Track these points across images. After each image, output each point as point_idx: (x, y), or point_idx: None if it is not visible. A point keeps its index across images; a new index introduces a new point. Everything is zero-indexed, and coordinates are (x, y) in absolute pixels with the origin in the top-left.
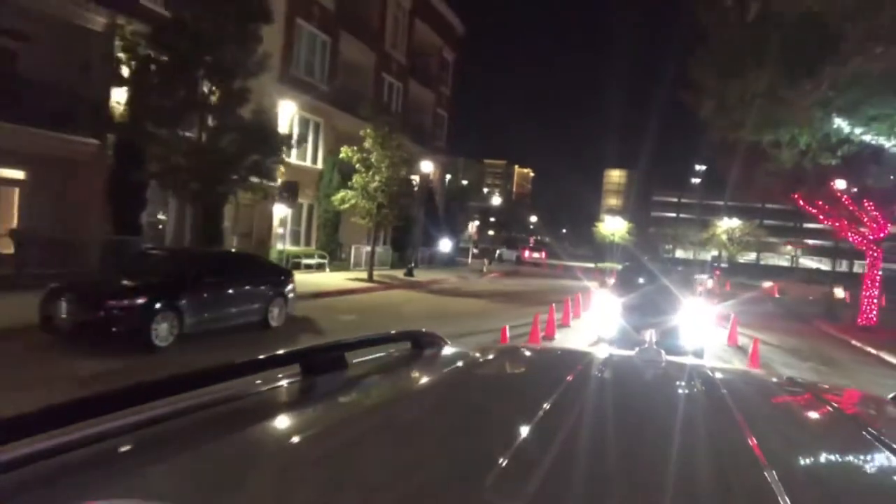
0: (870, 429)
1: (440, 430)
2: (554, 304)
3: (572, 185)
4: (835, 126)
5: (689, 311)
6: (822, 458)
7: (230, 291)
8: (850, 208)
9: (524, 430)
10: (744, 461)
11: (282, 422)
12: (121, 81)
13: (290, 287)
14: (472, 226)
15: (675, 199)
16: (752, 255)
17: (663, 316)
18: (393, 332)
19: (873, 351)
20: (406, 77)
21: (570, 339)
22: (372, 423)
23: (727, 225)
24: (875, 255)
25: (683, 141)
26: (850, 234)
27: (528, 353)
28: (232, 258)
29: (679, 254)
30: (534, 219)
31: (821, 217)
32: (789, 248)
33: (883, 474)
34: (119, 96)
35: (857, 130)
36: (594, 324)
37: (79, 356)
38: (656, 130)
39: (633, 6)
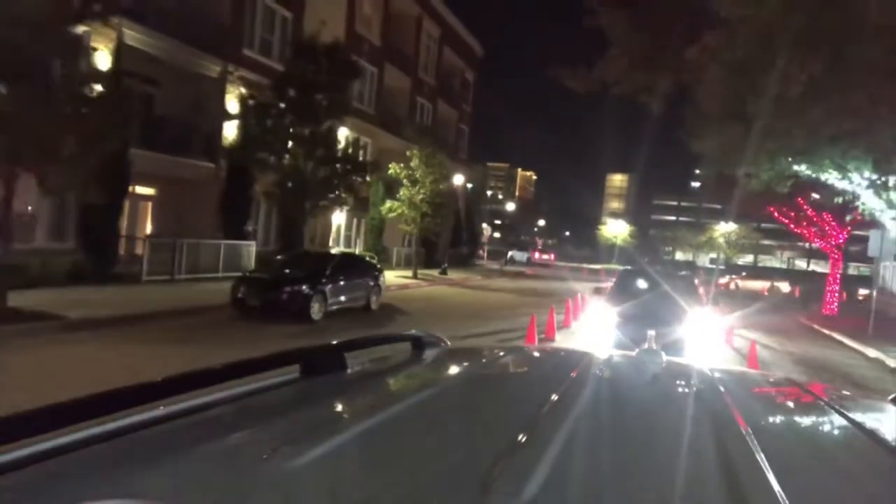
0: (869, 429)
1: (440, 430)
2: (569, 300)
3: (574, 188)
4: (782, 166)
5: (694, 322)
6: (821, 458)
7: (351, 282)
8: (815, 219)
9: (524, 431)
10: (743, 462)
11: (282, 422)
12: (230, 117)
13: (381, 280)
14: (486, 229)
15: (674, 203)
16: (749, 258)
17: (665, 328)
18: (393, 333)
19: (827, 332)
20: (435, 98)
21: (584, 327)
22: (372, 423)
23: (724, 229)
24: (836, 256)
25: (683, 146)
26: (816, 239)
27: (528, 354)
28: (349, 258)
29: (678, 256)
30: (541, 223)
31: (791, 226)
32: (786, 250)
33: (882, 475)
34: (230, 129)
35: (796, 168)
36: (589, 335)
37: (263, 324)
38: (657, 136)
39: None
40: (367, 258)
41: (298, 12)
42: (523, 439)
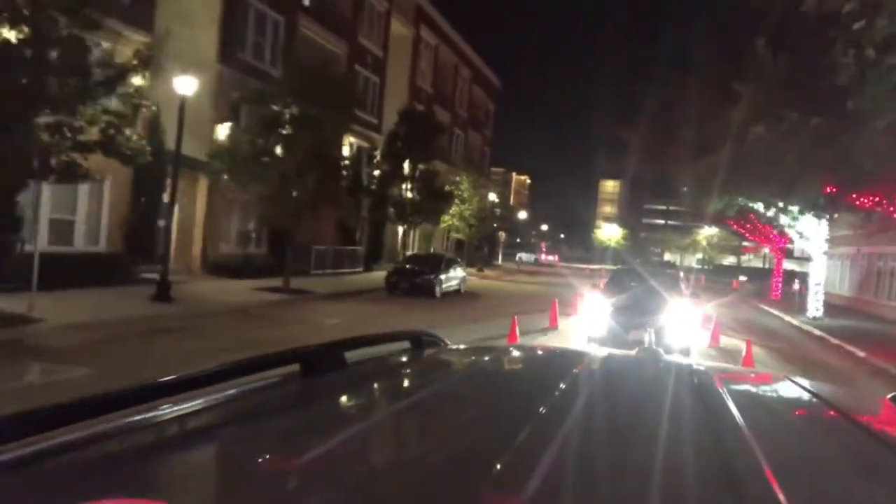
0: (868, 428)
1: (439, 429)
2: (576, 294)
3: (568, 192)
4: (730, 200)
5: (675, 311)
6: (820, 456)
7: (452, 274)
8: (761, 229)
9: (524, 430)
10: (743, 461)
11: (282, 422)
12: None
13: (464, 273)
14: (501, 235)
15: (663, 207)
16: (733, 259)
17: (651, 316)
18: (393, 332)
19: (766, 308)
20: (466, 128)
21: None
22: (371, 422)
23: (706, 232)
24: (779, 257)
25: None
26: (765, 244)
27: (527, 353)
28: (450, 258)
29: (667, 256)
30: (544, 227)
31: (746, 234)
32: (766, 250)
33: (881, 474)
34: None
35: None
36: (585, 324)
37: (409, 298)
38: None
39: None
40: (457, 259)
41: (383, 78)
42: (523, 438)
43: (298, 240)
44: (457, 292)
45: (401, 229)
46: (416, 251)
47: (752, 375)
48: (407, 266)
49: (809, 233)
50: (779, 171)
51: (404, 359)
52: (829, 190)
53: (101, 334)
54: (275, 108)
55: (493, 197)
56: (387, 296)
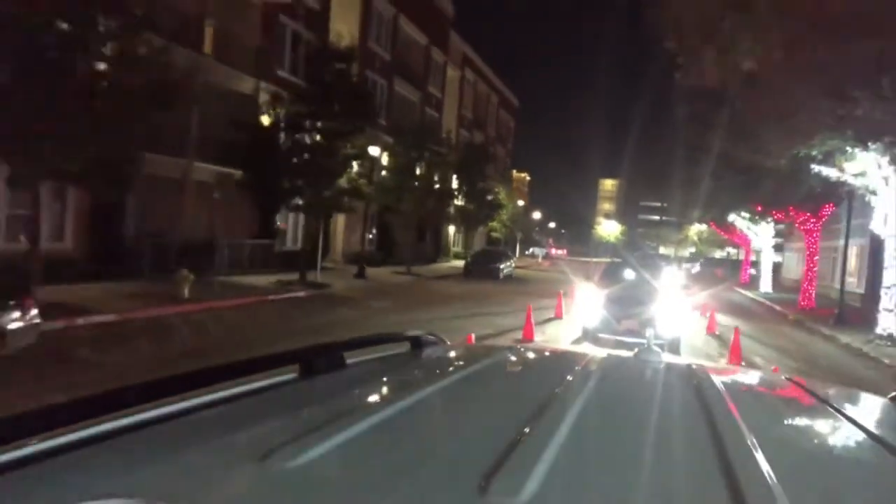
0: (868, 428)
1: (439, 430)
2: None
3: (567, 190)
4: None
5: (666, 302)
6: (820, 457)
7: (506, 263)
8: (732, 230)
9: (523, 430)
10: (743, 461)
11: (281, 422)
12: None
13: (514, 263)
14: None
15: (658, 204)
16: (721, 252)
17: (642, 307)
18: (393, 332)
19: (736, 288)
20: (495, 144)
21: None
22: (370, 423)
23: (697, 228)
24: (746, 251)
25: (666, 155)
26: (737, 240)
27: (527, 354)
28: (504, 251)
29: (661, 250)
30: (552, 225)
31: (724, 233)
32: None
33: (881, 474)
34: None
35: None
36: (580, 314)
37: (480, 280)
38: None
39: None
40: (509, 253)
41: (441, 114)
42: (522, 439)
43: (398, 240)
44: (509, 276)
45: (452, 230)
46: (461, 247)
47: (752, 376)
48: (478, 257)
49: (761, 234)
50: (730, 198)
51: (404, 359)
52: (758, 208)
53: (368, 292)
54: (401, 157)
55: (521, 203)
56: (464, 279)
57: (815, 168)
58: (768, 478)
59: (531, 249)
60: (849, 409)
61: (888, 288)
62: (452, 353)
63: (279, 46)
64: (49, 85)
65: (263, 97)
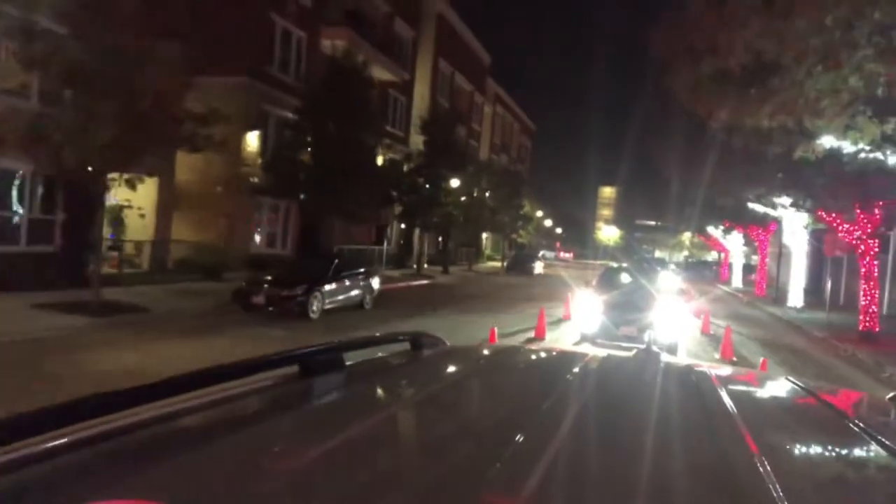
0: (868, 428)
1: (438, 430)
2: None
3: (566, 196)
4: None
5: (664, 308)
6: (820, 458)
7: (538, 262)
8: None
9: (523, 431)
10: (742, 462)
11: (280, 423)
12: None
13: (542, 261)
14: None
15: (653, 223)
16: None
17: (640, 313)
18: (392, 333)
19: (718, 284)
20: (516, 163)
21: None
22: (370, 423)
23: (688, 234)
24: (725, 256)
25: (657, 172)
26: (717, 248)
27: (526, 354)
28: (535, 254)
29: (657, 254)
30: (559, 230)
31: (706, 241)
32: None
33: (881, 474)
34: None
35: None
36: (578, 320)
37: (519, 276)
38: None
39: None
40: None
41: (479, 143)
42: (522, 439)
43: (452, 245)
44: (539, 273)
45: (484, 236)
46: (490, 251)
47: (751, 376)
48: (516, 259)
49: (731, 242)
50: (704, 215)
51: (403, 360)
52: (727, 224)
53: (459, 281)
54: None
55: (539, 213)
56: (507, 274)
57: (751, 205)
58: (767, 477)
59: (542, 252)
60: (847, 409)
61: (791, 280)
62: (452, 354)
63: (387, 113)
64: (346, 176)
65: (394, 153)
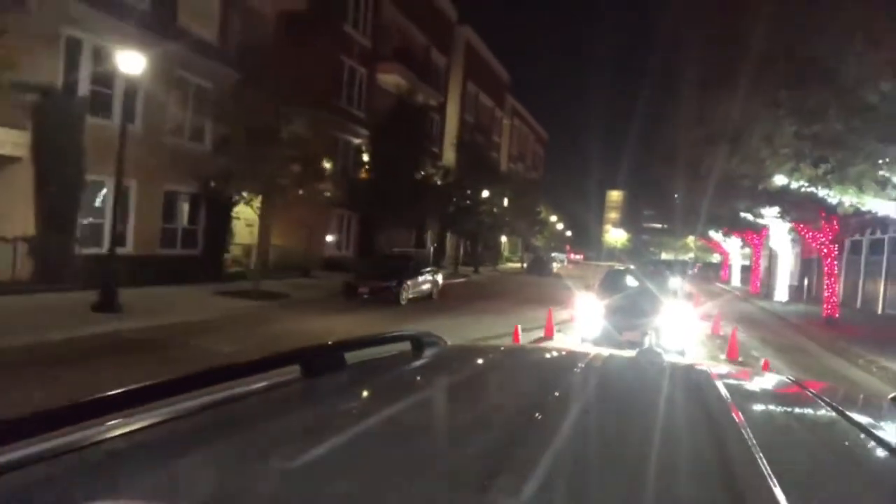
0: (869, 429)
1: (439, 430)
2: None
3: (574, 199)
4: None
5: (670, 313)
6: (820, 456)
7: (555, 263)
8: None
9: (524, 431)
10: (743, 461)
11: (282, 422)
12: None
13: (557, 263)
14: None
15: (659, 224)
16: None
17: (645, 318)
18: (393, 333)
19: (720, 284)
20: (530, 170)
21: None
22: (371, 423)
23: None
24: (725, 257)
25: (661, 178)
26: (719, 250)
27: (528, 354)
28: (549, 255)
29: (663, 256)
30: (569, 233)
31: (709, 244)
32: (747, 250)
33: (881, 473)
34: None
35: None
36: (579, 326)
37: (538, 276)
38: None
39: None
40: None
41: (499, 154)
42: (522, 439)
43: (476, 247)
44: (556, 273)
45: (504, 239)
46: (507, 252)
47: (752, 375)
48: (535, 260)
49: (731, 246)
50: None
51: (404, 359)
52: (726, 230)
53: (490, 279)
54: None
55: (553, 218)
56: (527, 274)
57: (742, 214)
58: (768, 477)
59: (553, 254)
60: (849, 410)
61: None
62: (452, 354)
63: (427, 132)
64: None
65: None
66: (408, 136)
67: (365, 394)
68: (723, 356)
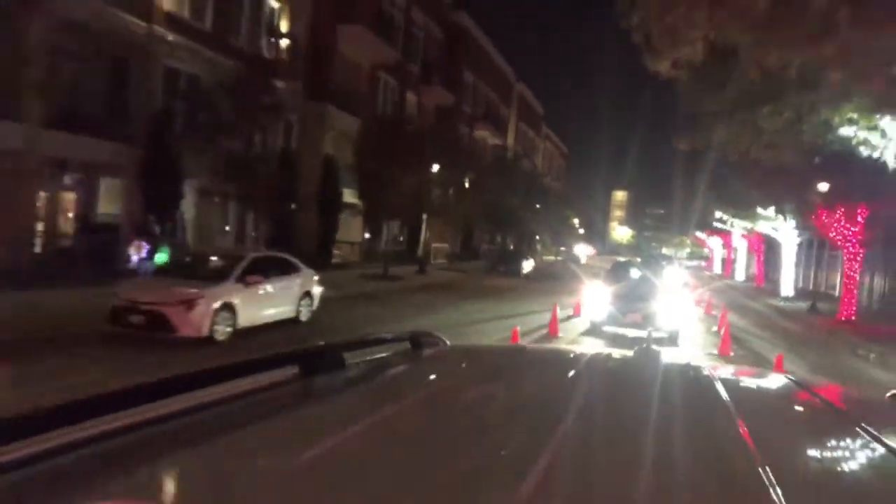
0: (867, 427)
1: (438, 430)
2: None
3: (586, 198)
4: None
5: (667, 298)
6: (819, 456)
7: (580, 256)
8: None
9: (523, 431)
10: (741, 460)
11: (280, 423)
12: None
13: (584, 256)
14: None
15: (661, 211)
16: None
17: (645, 302)
18: (393, 333)
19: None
20: (556, 181)
21: None
22: (370, 423)
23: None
24: (710, 253)
25: (669, 169)
26: (707, 245)
27: (527, 353)
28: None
29: (664, 251)
30: (581, 231)
31: (699, 242)
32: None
33: (881, 473)
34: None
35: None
36: (588, 309)
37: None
38: (647, 168)
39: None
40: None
41: (535, 169)
42: (522, 439)
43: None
44: (583, 263)
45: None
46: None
47: (751, 374)
48: (567, 254)
49: (714, 245)
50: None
51: (403, 360)
52: (708, 233)
53: (538, 269)
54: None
55: (576, 221)
56: (563, 264)
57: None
58: (766, 476)
59: (563, 248)
60: (848, 408)
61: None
62: (452, 354)
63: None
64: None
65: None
66: (506, 179)
67: (364, 394)
68: (714, 328)
